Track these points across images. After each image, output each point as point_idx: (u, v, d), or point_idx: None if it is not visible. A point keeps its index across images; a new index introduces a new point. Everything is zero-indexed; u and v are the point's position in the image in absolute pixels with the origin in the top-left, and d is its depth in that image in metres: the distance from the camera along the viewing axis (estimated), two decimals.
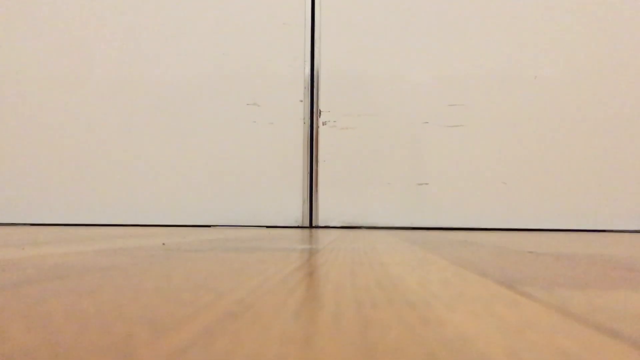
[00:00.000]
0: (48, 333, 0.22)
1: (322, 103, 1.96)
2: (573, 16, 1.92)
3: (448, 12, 1.95)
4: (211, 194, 1.98)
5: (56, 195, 2.02)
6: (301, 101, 1.97)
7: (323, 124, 1.96)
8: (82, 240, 0.94)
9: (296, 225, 1.96)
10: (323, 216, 1.95)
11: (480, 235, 1.40)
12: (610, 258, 0.66)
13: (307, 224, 1.96)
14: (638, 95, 1.90)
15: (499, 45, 1.94)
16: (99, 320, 0.25)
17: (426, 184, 1.93)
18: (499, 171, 1.92)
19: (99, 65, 2.03)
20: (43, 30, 2.04)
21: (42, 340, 0.21)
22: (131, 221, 2.00)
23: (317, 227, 1.94)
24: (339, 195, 1.94)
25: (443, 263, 0.56)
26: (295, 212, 1.96)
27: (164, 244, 0.85)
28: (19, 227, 1.79)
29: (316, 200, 1.95)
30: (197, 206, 1.98)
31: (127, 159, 2.01)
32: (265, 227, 1.89)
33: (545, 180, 1.91)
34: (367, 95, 1.95)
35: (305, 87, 1.97)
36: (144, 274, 0.43)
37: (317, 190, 1.95)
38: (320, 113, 1.96)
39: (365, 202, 1.94)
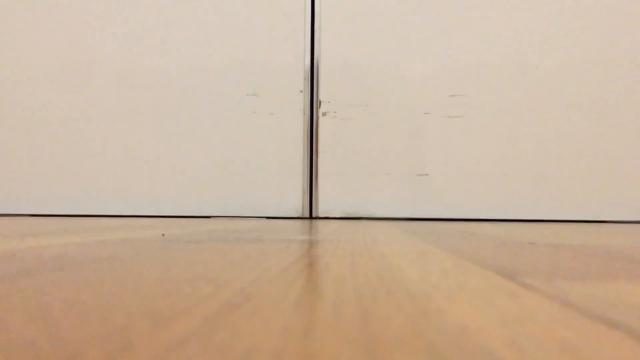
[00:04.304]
0: (48, 324, 0.22)
1: (322, 94, 1.95)
2: (575, 5, 1.91)
3: (449, 2, 1.94)
4: (211, 184, 1.98)
5: (56, 186, 2.02)
6: (301, 92, 1.96)
7: (323, 115, 1.95)
8: (81, 231, 0.94)
9: (296, 216, 1.96)
10: (323, 207, 1.95)
11: (481, 226, 1.40)
12: (611, 249, 0.66)
13: (307, 214, 1.96)
14: None
15: (500, 35, 1.93)
16: (99, 311, 0.25)
17: (426, 174, 1.93)
18: (500, 162, 1.92)
19: (98, 56, 2.02)
20: (42, 21, 2.03)
21: (42, 331, 0.21)
22: (131, 212, 2.00)
23: (318, 218, 1.94)
24: (339, 186, 1.94)
25: (443, 254, 0.56)
26: (296, 203, 1.96)
27: (163, 235, 0.85)
28: (19, 217, 1.79)
29: (316, 191, 1.95)
30: (197, 197, 1.98)
31: (126, 149, 2.01)
32: (265, 218, 1.89)
33: (546, 171, 1.91)
34: (367, 85, 1.95)
35: (305, 78, 1.96)
36: (144, 265, 0.43)
37: (317, 181, 1.95)
38: (320, 103, 1.95)
39: (366, 193, 1.94)
